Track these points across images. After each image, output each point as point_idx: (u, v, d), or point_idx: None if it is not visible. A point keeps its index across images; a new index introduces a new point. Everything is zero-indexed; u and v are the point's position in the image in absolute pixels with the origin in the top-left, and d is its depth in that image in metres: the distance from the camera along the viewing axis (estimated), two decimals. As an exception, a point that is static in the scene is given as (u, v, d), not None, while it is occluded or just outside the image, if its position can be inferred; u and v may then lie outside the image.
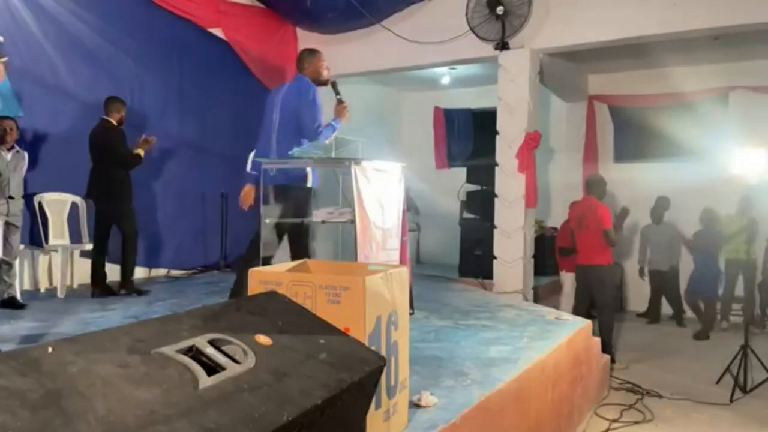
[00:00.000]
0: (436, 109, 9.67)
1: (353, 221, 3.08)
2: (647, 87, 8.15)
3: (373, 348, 1.92)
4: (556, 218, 8.51)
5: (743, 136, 6.87)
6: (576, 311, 5.81)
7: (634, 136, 8.48)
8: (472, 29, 6.31)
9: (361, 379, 1.69)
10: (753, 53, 7.35)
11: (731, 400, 4.77)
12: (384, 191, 3.48)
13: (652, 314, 8.00)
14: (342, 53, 7.53)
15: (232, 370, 1.41)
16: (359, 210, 3.11)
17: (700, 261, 7.29)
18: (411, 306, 4.52)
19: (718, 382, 5.15)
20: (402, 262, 4.26)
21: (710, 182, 7.28)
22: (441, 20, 6.70)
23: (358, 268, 2.43)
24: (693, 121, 7.66)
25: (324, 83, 4.16)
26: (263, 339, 1.60)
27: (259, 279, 2.08)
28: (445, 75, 8.76)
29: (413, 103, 10.04)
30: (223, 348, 1.50)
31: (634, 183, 8.30)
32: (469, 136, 9.43)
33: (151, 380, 1.22)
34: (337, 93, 4.10)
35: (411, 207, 9.69)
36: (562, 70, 7.55)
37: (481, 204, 7.06)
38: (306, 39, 7.79)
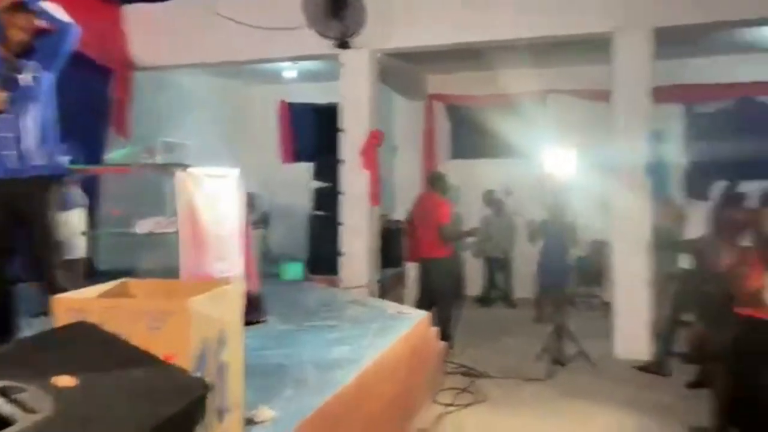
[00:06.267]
0: (281, 103, 9.54)
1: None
2: (480, 88, 8.69)
3: (198, 374, 1.85)
4: (401, 212, 8.86)
5: (559, 136, 7.63)
6: (419, 302, 6.12)
7: (469, 134, 9.07)
8: (309, 26, 6.29)
9: (183, 409, 1.62)
10: (568, 60, 8.12)
11: (548, 375, 5.34)
12: (219, 197, 3.36)
13: (485, 298, 8.69)
14: (178, 43, 7.12)
15: (25, 421, 1.28)
16: (190, 220, 2.96)
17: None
18: (263, 314, 4.45)
19: (538, 358, 5.70)
20: (248, 269, 4.17)
21: (535, 179, 7.90)
22: (281, 15, 6.58)
23: (186, 287, 2.32)
24: (518, 122, 8.35)
25: None
26: (65, 380, 1.46)
27: (65, 306, 1.89)
28: (289, 69, 8.67)
29: (261, 96, 9.82)
30: (15, 396, 1.35)
31: (469, 179, 8.89)
32: (314, 132, 9.42)
33: None
34: None
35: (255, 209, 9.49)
36: (402, 70, 7.84)
37: (327, 200, 7.11)
38: (135, 19, 7.23)
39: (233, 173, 3.55)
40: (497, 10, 6.13)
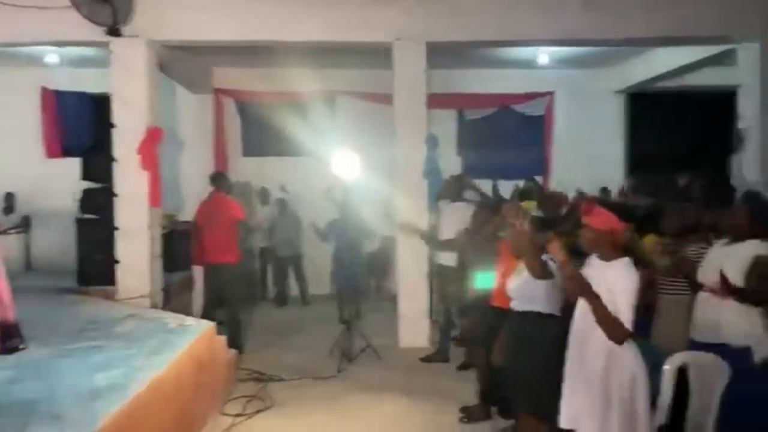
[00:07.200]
0: (44, 90, 8.38)
1: None
2: (269, 84, 8.52)
3: None
4: (190, 211, 8.38)
5: (348, 137, 7.87)
6: (205, 310, 5.86)
7: (260, 131, 8.91)
8: (75, 7, 5.60)
9: None
10: (357, 63, 8.27)
11: (339, 371, 5.50)
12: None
13: (280, 297, 8.67)
14: None
15: None
16: None
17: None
18: (21, 340, 3.84)
19: (329, 355, 5.85)
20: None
21: (325, 178, 7.98)
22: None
23: None
24: (309, 121, 8.43)
25: None
26: None
27: None
28: (50, 53, 7.65)
29: (18, 82, 8.48)
30: None
31: (262, 177, 8.77)
32: (87, 124, 8.44)
33: None
34: None
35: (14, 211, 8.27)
36: (185, 61, 7.39)
37: (100, 202, 6.39)
38: None
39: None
40: (280, 11, 6.09)
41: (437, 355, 5.84)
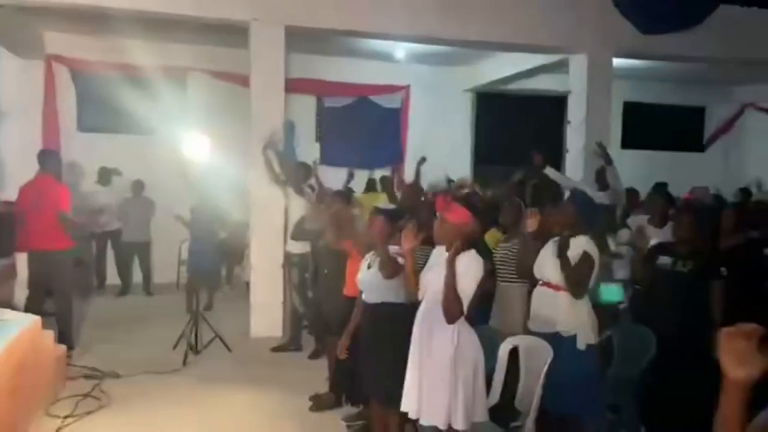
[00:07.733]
0: None
1: None
2: (112, 55, 7.79)
3: None
4: (14, 190, 7.45)
5: (201, 117, 7.47)
6: (30, 301, 5.27)
7: (99, 105, 8.09)
8: None
9: None
10: (212, 39, 7.80)
11: (184, 364, 5.24)
12: None
13: (122, 285, 8.06)
14: None
15: None
16: None
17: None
18: None
19: (174, 348, 5.54)
20: None
21: (176, 161, 7.45)
22: None
23: None
24: (155, 98, 7.81)
25: None
26: None
27: None
28: None
29: None
30: None
31: (100, 155, 8.03)
32: None
33: None
34: None
35: None
36: (11, 21, 6.50)
37: None
38: None
39: None
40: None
41: (289, 344, 5.80)
